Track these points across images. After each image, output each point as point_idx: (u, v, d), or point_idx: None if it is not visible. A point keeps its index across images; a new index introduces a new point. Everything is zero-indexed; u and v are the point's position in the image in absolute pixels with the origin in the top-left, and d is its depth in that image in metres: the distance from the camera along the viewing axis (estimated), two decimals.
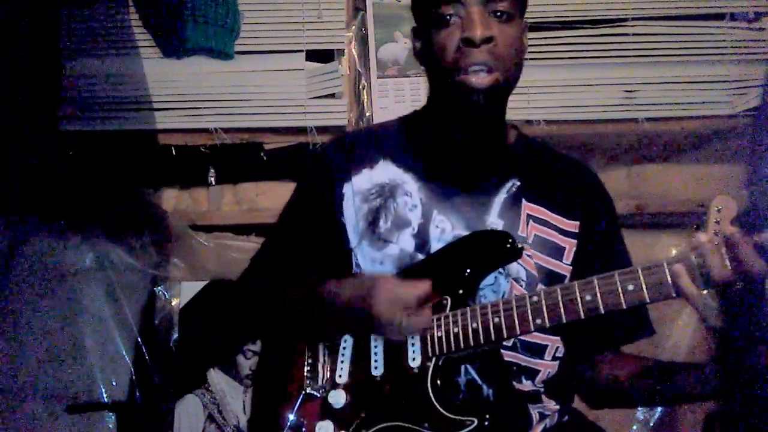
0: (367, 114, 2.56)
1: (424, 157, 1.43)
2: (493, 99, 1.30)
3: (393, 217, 1.38)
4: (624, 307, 1.10)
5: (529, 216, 1.38)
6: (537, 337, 1.34)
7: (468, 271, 1.28)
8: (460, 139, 1.40)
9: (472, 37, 1.26)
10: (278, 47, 2.57)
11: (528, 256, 1.35)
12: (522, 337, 1.32)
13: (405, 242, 1.36)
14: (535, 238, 1.37)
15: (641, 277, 1.09)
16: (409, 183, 1.40)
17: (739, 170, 2.57)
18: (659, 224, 2.53)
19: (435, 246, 1.35)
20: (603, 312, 1.11)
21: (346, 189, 1.43)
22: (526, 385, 1.33)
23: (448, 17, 1.29)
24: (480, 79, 1.27)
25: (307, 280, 1.41)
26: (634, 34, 2.58)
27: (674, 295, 1.08)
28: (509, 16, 1.30)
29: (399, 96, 2.56)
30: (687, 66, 2.59)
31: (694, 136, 2.61)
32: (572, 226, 1.40)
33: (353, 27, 2.61)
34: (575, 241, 1.39)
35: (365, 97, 2.58)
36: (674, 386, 1.25)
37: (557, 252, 1.38)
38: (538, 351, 1.35)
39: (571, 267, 1.38)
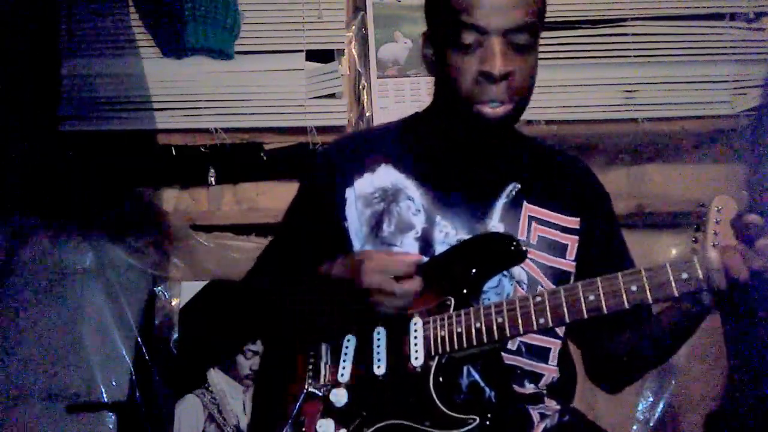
0: (367, 114, 2.56)
1: (424, 163, 1.43)
2: (504, 125, 1.31)
3: (396, 220, 1.38)
4: (626, 307, 1.11)
5: (531, 218, 1.39)
6: (541, 340, 1.35)
7: (474, 271, 1.28)
8: (463, 146, 1.40)
9: (491, 72, 1.23)
10: (278, 47, 2.57)
11: (529, 259, 1.35)
12: (526, 341, 1.33)
13: (408, 246, 1.36)
14: (539, 239, 1.38)
15: (644, 279, 1.10)
16: (411, 188, 1.40)
17: (739, 170, 2.57)
18: (659, 224, 2.53)
19: (439, 249, 1.35)
20: (606, 312, 1.13)
21: (349, 193, 1.43)
22: (529, 389, 1.34)
23: (468, 44, 1.25)
24: (494, 110, 1.26)
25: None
26: (634, 34, 2.58)
27: (676, 295, 1.09)
28: (527, 47, 1.26)
29: (399, 96, 2.56)
30: (687, 66, 2.58)
31: (694, 136, 2.61)
32: (573, 222, 1.41)
33: (353, 27, 2.61)
34: (577, 238, 1.40)
35: (365, 97, 2.58)
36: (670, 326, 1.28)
37: (561, 250, 1.39)
38: (542, 354, 1.35)
39: (575, 263, 1.39)
